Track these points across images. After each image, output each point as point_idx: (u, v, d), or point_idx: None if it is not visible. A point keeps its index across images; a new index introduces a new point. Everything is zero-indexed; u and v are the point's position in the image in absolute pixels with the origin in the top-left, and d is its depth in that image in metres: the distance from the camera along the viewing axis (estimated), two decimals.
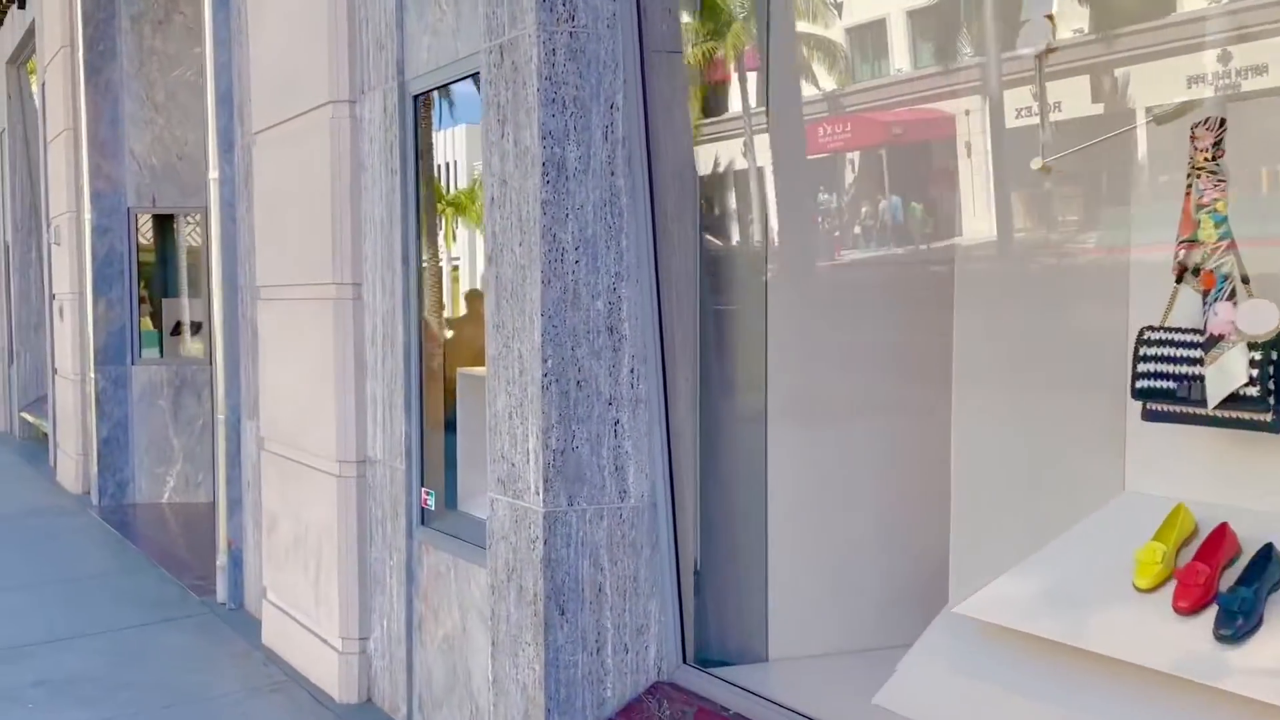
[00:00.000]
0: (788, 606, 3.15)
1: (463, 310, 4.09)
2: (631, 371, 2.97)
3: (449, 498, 3.81)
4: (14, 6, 11.87)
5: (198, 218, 8.56)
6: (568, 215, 2.88)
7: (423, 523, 3.84)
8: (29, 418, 12.59)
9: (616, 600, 2.95)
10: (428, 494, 3.82)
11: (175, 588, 5.96)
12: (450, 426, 3.90)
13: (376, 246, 3.96)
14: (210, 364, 8.30)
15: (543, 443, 2.87)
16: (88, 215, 8.33)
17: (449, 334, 4.01)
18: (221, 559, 5.52)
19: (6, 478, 10.07)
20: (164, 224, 8.71)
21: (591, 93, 2.89)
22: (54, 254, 9.70)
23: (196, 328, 8.79)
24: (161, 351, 8.70)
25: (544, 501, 2.87)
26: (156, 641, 5.04)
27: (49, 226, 10.06)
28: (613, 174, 2.93)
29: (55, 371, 10.05)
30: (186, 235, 8.71)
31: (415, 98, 3.76)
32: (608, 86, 2.91)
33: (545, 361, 2.86)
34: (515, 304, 2.99)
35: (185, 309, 8.85)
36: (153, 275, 8.73)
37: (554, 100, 2.84)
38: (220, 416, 5.47)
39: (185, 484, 8.50)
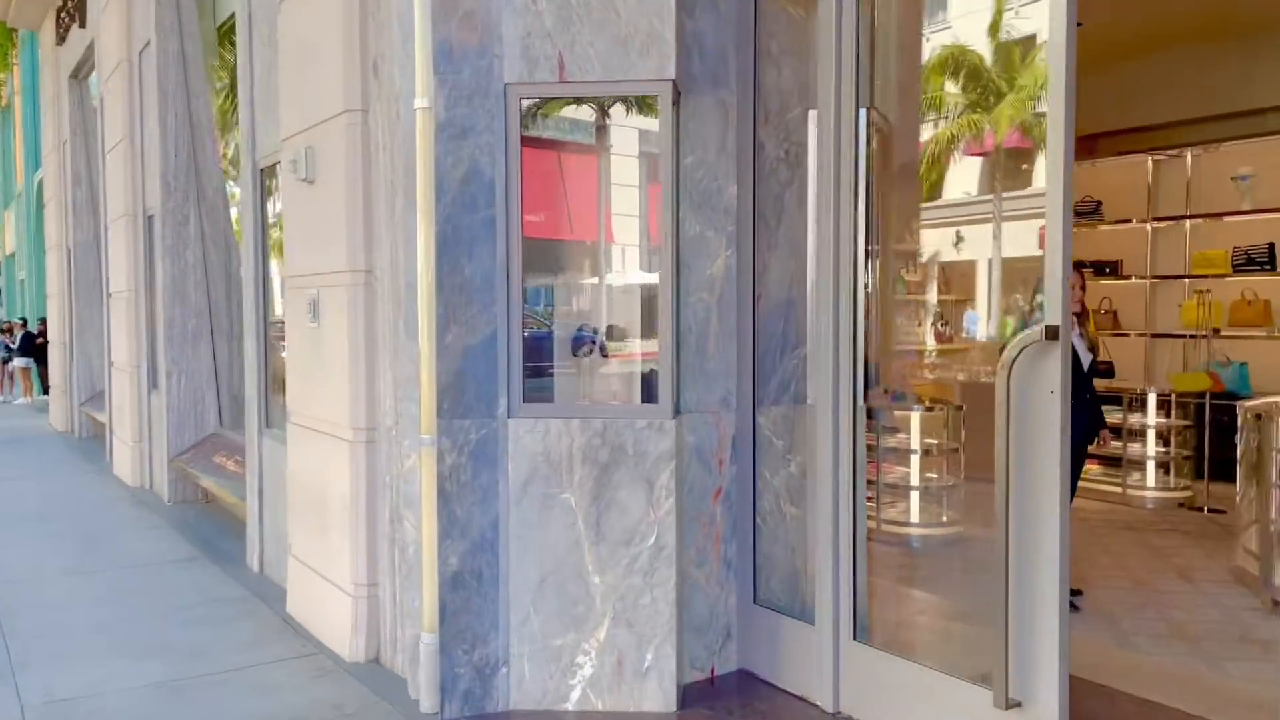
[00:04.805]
0: None
1: None
2: None
3: None
4: None
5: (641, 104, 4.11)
6: None
7: None
8: (202, 480, 8.25)
9: None
10: None
11: None
12: None
13: None
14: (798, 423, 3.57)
15: None
16: (420, 102, 3.90)
17: None
18: None
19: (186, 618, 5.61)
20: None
21: None
22: (293, 197, 5.24)
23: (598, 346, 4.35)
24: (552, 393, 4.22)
25: None
26: None
27: (290, 155, 5.67)
28: None
29: (329, 427, 5.61)
30: (611, 145, 4.24)
31: None
32: None
33: None
34: None
35: (589, 305, 4.38)
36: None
37: None
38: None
39: (618, 673, 4.00)
